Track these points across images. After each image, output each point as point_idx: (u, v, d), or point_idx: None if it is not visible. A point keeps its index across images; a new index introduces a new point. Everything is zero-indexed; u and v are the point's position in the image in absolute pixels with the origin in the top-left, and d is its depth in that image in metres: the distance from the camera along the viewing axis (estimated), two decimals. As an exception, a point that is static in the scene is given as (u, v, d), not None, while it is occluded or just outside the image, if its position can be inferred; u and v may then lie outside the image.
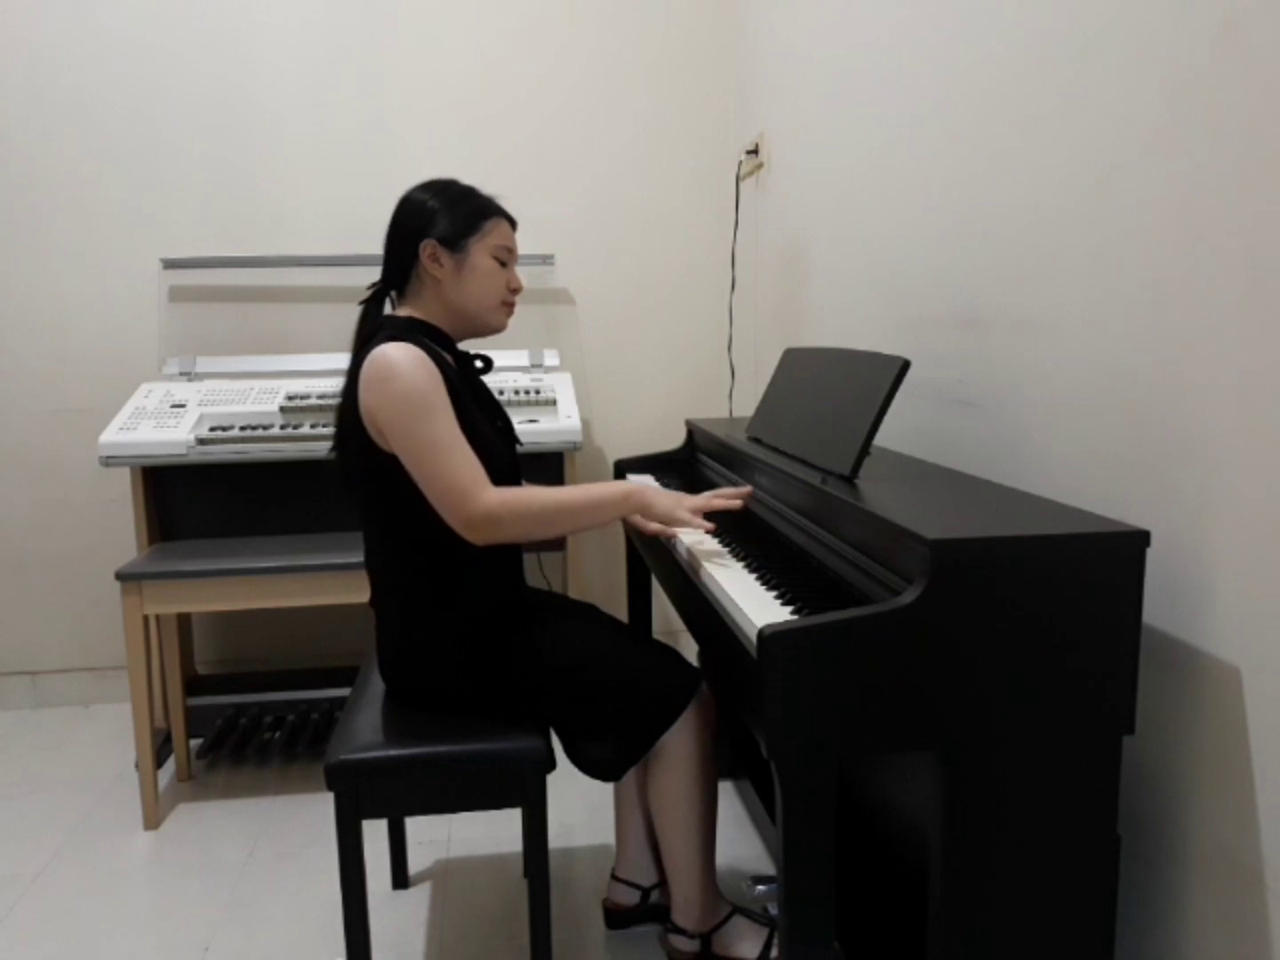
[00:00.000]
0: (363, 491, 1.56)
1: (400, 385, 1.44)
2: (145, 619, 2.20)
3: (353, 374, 1.54)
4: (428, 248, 1.55)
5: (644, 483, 2.12)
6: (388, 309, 1.64)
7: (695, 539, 1.57)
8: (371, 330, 1.59)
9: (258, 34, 2.89)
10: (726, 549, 1.50)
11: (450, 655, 1.55)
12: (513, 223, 1.64)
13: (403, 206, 1.60)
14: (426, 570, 1.56)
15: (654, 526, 1.60)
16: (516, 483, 1.68)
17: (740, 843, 2.14)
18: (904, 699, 1.07)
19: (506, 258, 1.61)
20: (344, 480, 1.59)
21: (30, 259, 2.90)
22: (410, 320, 1.58)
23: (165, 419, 2.53)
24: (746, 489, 1.62)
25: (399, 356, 1.46)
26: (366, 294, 1.63)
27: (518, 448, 1.70)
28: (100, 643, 3.05)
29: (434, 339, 1.58)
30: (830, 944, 1.12)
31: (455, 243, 1.56)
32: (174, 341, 2.97)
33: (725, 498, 1.57)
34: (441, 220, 1.56)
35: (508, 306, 1.64)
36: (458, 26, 2.97)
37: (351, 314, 1.64)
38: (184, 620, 2.79)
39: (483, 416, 1.61)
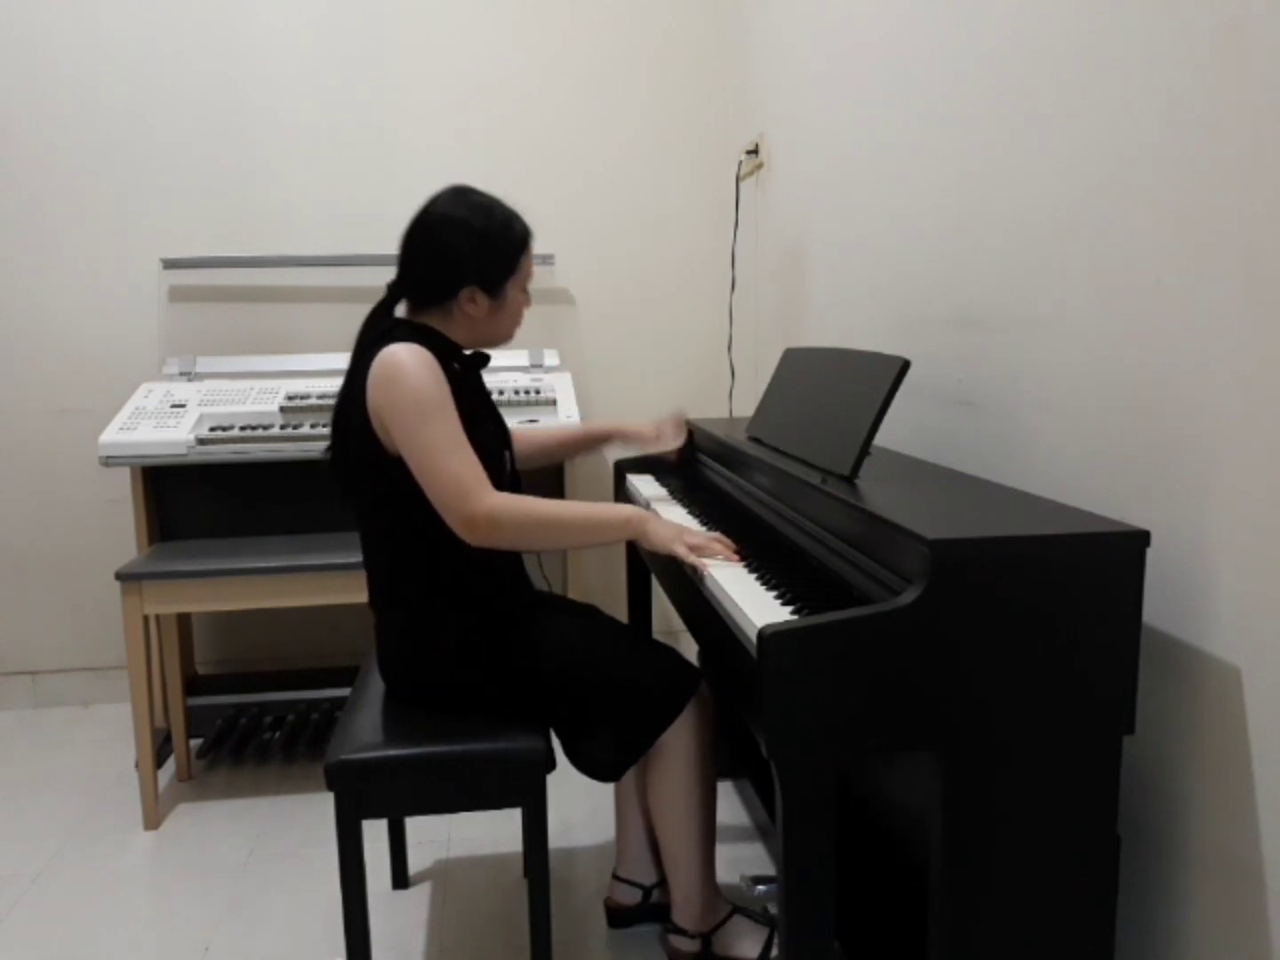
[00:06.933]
0: (365, 491, 1.56)
1: (406, 385, 1.45)
2: (145, 619, 2.20)
3: (353, 374, 1.54)
4: (467, 293, 1.55)
5: (643, 483, 2.13)
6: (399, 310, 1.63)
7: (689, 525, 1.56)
8: (379, 333, 1.58)
9: (258, 34, 2.89)
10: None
11: (451, 655, 1.55)
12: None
13: (441, 231, 1.54)
14: (428, 570, 1.56)
15: (686, 556, 1.48)
16: (515, 484, 1.68)
17: (740, 843, 2.14)
18: (904, 699, 1.07)
19: (529, 283, 1.64)
20: (341, 479, 1.59)
21: (30, 259, 2.90)
22: (424, 327, 1.58)
23: (165, 419, 2.53)
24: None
25: (407, 358, 1.47)
26: (383, 295, 1.61)
27: (511, 451, 1.70)
28: (100, 643, 3.05)
29: (444, 345, 1.58)
30: (830, 944, 1.13)
31: (495, 288, 1.57)
32: (174, 341, 2.97)
33: (725, 545, 1.47)
34: (483, 264, 1.54)
35: (520, 322, 1.67)
36: (458, 27, 2.97)
37: (352, 314, 1.63)
38: (184, 620, 2.79)
39: (486, 418, 1.61)
